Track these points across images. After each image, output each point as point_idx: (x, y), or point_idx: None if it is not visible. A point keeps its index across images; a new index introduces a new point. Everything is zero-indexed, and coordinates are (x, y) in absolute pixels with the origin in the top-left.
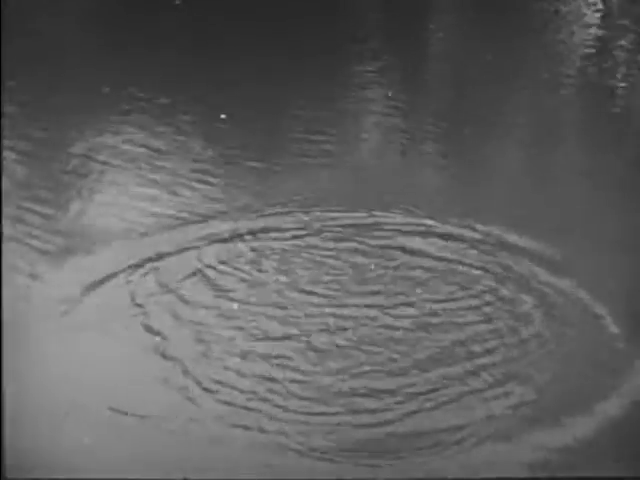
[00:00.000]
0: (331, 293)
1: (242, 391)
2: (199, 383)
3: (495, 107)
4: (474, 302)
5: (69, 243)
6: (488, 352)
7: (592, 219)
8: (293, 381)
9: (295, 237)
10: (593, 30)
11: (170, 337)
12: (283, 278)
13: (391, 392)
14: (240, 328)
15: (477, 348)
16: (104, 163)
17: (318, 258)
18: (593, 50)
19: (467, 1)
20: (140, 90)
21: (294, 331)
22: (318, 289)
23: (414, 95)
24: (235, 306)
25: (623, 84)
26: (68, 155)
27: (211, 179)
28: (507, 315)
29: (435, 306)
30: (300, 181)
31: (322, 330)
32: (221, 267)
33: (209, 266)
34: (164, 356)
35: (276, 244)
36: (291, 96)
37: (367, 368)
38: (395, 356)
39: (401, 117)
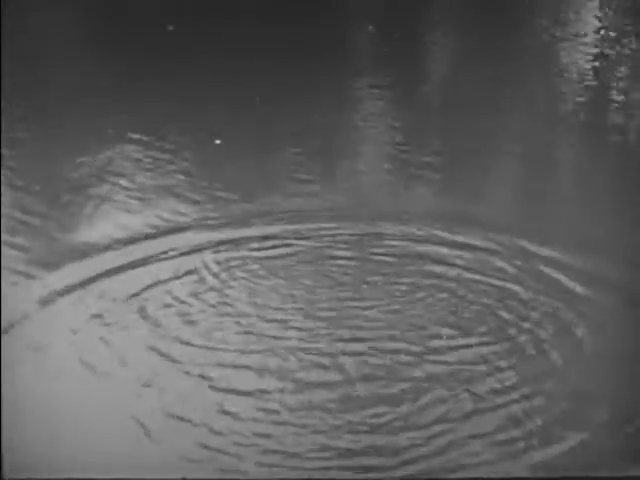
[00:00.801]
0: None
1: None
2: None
3: (500, 120)
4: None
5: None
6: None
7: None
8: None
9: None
10: (592, 55)
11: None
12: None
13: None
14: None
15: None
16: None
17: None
18: (592, 76)
19: (464, 26)
20: (133, 115)
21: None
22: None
23: (413, 111)
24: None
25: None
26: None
27: (206, 198)
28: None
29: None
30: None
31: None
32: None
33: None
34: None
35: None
36: (286, 117)
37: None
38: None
39: (401, 134)
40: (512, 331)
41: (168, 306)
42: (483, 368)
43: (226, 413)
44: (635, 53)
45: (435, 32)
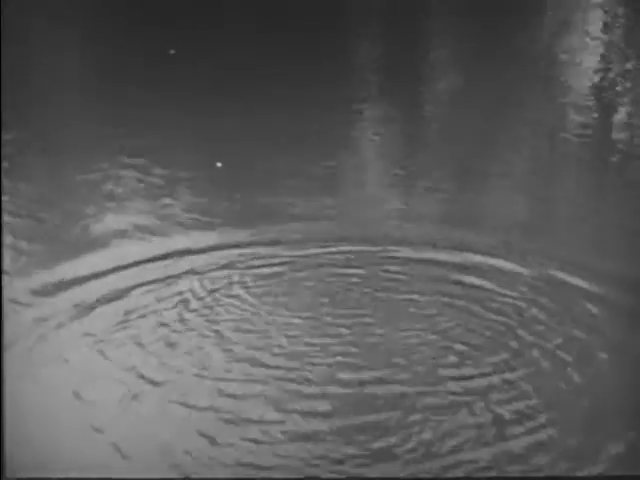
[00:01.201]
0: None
1: None
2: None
3: (506, 139)
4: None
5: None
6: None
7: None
8: None
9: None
10: (596, 78)
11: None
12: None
13: None
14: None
15: None
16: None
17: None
18: (594, 97)
19: (466, 52)
20: (134, 140)
21: None
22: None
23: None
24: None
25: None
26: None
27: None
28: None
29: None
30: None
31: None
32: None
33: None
34: None
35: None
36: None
37: None
38: None
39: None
40: (533, 353)
41: (153, 331)
42: (503, 394)
43: (207, 438)
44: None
45: (438, 52)
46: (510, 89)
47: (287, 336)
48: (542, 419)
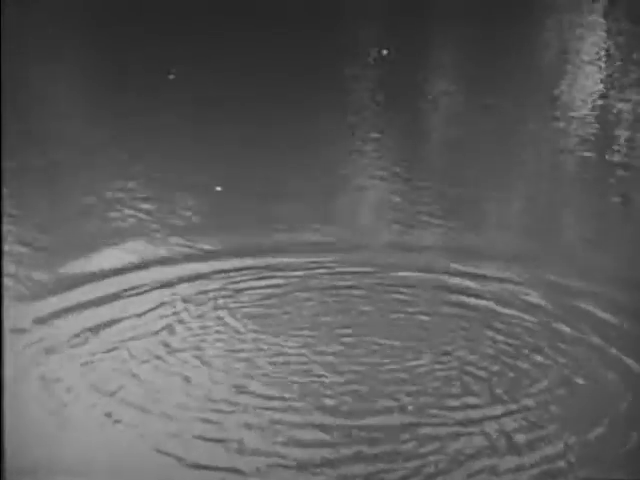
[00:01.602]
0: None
1: None
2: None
3: (511, 153)
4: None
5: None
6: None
7: None
8: None
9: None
10: (597, 94)
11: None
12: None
13: None
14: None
15: None
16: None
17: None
18: (598, 113)
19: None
20: (134, 165)
21: None
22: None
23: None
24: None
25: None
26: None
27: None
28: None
29: None
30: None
31: None
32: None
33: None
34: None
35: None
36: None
37: None
38: None
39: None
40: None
41: (140, 355)
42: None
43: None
44: None
45: (442, 65)
46: (513, 111)
47: (274, 363)
48: (557, 447)
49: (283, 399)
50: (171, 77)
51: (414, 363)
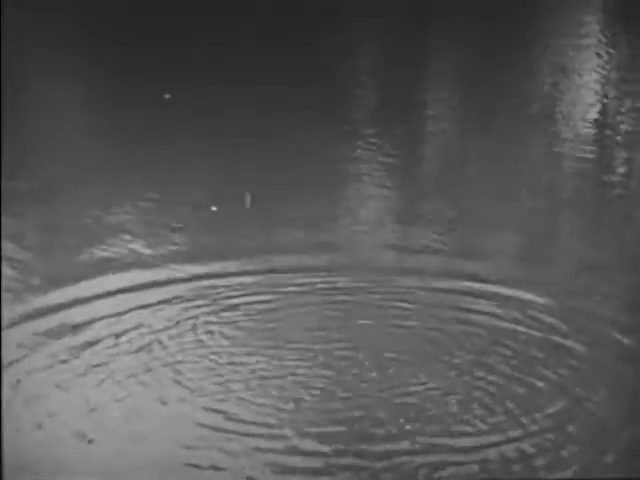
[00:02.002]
0: None
1: None
2: None
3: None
4: None
5: None
6: None
7: None
8: None
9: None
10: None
11: None
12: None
13: None
14: None
15: None
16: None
17: None
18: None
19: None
20: (128, 189)
21: None
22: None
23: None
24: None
25: None
26: None
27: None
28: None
29: None
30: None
31: None
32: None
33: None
34: None
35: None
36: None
37: None
38: None
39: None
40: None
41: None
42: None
43: None
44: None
45: (439, 84)
46: (511, 126)
47: (253, 388)
48: (574, 470)
49: (268, 425)
50: (167, 97)
51: (418, 388)
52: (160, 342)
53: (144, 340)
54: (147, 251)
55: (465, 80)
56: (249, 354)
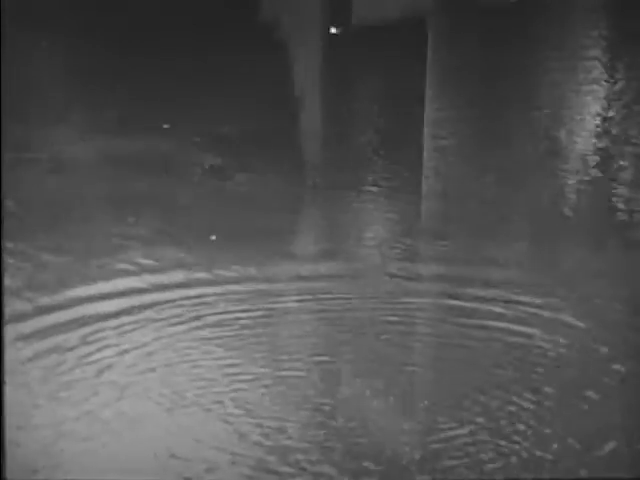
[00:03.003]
0: None
1: None
2: None
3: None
4: None
5: None
6: None
7: None
8: None
9: None
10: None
11: None
12: None
13: None
14: None
15: None
16: None
17: None
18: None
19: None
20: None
21: None
22: None
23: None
24: None
25: None
26: None
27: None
28: None
29: None
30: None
31: None
32: None
33: None
34: None
35: None
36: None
37: None
38: None
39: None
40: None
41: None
42: None
43: None
44: None
45: (441, 112)
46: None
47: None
48: None
49: (264, 436)
50: (165, 127)
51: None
52: (156, 346)
53: (144, 341)
54: (147, 260)
55: (468, 81)
56: (243, 364)
